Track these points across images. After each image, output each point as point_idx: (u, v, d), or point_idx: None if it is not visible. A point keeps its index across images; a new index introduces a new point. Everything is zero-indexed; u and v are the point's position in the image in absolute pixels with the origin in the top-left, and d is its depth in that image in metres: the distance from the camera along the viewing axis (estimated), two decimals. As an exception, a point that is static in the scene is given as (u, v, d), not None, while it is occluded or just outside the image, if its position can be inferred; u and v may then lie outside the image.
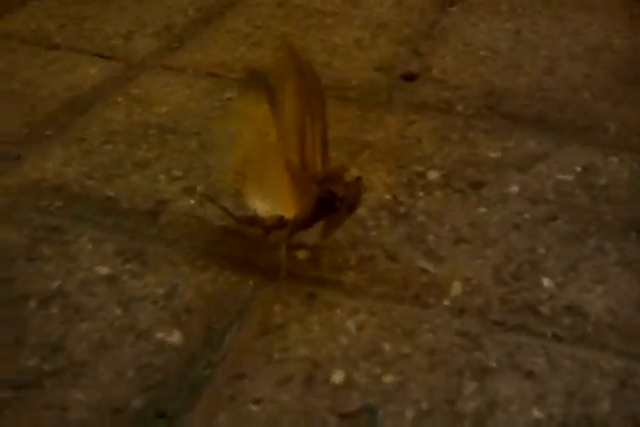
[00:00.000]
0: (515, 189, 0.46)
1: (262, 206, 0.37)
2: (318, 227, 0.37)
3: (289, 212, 0.36)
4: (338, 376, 0.33)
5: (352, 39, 0.66)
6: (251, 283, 0.38)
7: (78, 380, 0.33)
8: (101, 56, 0.63)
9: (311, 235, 0.39)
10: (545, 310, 0.37)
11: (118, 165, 0.48)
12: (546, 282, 0.39)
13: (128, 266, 0.39)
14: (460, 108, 0.55)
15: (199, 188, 0.45)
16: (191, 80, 0.59)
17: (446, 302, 0.37)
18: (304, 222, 0.36)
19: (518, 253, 0.41)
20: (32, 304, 0.37)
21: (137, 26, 0.68)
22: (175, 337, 0.35)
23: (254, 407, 0.32)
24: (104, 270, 0.39)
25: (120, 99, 0.56)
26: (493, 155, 0.49)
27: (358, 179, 0.35)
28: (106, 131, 0.51)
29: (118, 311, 0.36)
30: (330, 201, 0.34)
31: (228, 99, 0.56)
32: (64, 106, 0.55)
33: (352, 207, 0.35)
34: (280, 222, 0.36)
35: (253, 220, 0.38)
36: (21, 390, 0.32)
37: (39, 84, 0.58)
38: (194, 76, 0.60)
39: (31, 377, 0.33)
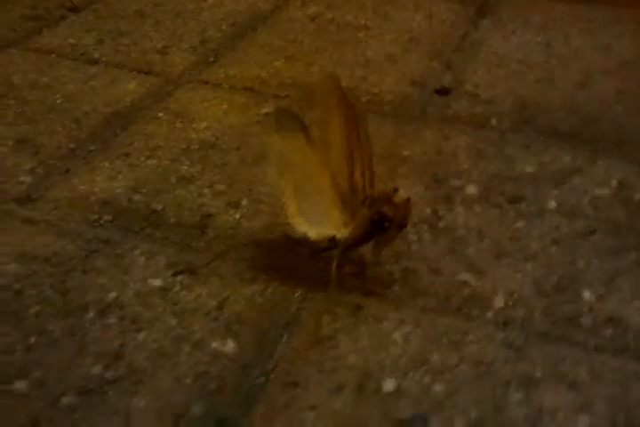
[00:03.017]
0: (552, 203, 0.47)
1: (310, 228, 0.38)
2: (367, 244, 0.39)
3: (339, 232, 0.37)
4: (388, 385, 0.34)
5: (384, 53, 0.67)
6: (298, 294, 0.40)
7: (139, 387, 0.34)
8: (139, 71, 0.64)
9: (361, 250, 0.40)
10: (586, 321, 0.38)
11: (163, 180, 0.49)
12: (586, 294, 0.40)
13: (179, 278, 0.41)
14: (494, 122, 0.56)
15: (244, 202, 0.47)
16: (228, 95, 0.60)
17: (489, 315, 0.39)
18: (355, 242, 0.38)
19: (558, 267, 0.42)
20: (90, 314, 0.38)
21: (173, 40, 0.70)
22: (229, 347, 0.36)
23: (309, 414, 0.33)
24: (157, 282, 0.40)
25: (160, 114, 0.57)
26: (530, 169, 0.50)
27: (407, 200, 0.36)
28: (149, 146, 0.53)
29: (173, 322, 0.38)
30: (380, 222, 0.36)
31: (266, 114, 0.57)
32: (107, 120, 0.56)
33: (401, 227, 0.36)
34: (332, 243, 0.38)
35: (304, 241, 0.39)
36: (86, 396, 0.34)
37: (81, 98, 0.59)
38: (230, 90, 0.61)
39: (95, 384, 0.34)
